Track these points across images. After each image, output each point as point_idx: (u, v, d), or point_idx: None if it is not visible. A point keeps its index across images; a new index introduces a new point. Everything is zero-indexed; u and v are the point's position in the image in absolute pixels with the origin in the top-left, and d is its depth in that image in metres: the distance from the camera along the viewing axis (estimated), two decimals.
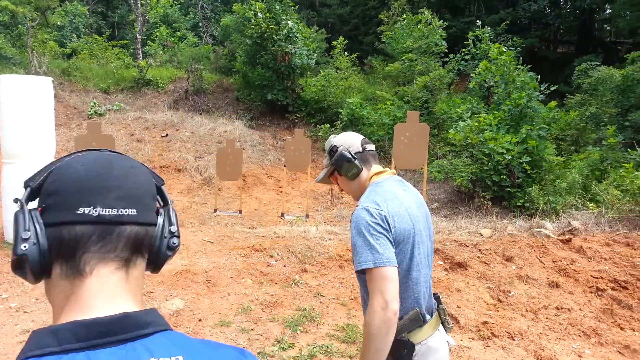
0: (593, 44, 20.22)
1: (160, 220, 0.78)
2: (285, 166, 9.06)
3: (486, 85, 11.75)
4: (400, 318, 1.62)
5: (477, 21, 13.46)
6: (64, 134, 11.94)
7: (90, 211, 0.69)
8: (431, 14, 13.84)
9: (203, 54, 18.07)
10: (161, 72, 16.89)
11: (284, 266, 5.39)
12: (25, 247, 0.67)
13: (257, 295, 4.73)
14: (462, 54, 13.33)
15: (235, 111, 15.61)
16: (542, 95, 9.83)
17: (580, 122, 11.17)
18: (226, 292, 4.74)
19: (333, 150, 1.87)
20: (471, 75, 12.47)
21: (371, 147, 1.89)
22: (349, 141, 1.87)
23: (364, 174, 1.83)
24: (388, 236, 1.60)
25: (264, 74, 14.94)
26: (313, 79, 15.58)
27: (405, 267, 1.65)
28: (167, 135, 12.81)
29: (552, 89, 10.11)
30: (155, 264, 0.79)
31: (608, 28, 22.58)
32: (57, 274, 0.70)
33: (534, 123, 9.15)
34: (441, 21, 13.71)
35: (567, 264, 5.02)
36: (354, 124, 13.05)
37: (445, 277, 4.85)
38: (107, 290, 0.70)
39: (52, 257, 0.70)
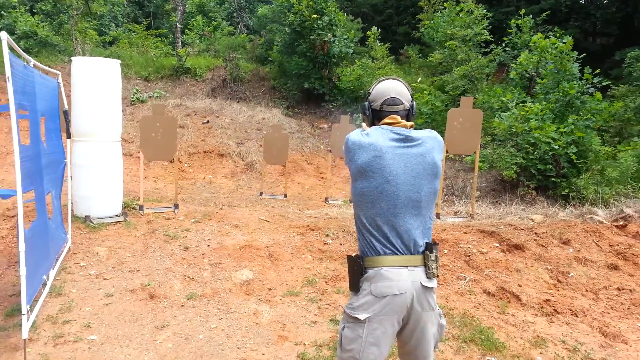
0: (635, 35, 19.71)
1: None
2: (330, 151, 9.22)
3: (527, 75, 11.64)
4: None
5: (520, 10, 13.30)
6: None
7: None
8: (474, 3, 13.72)
9: (239, 43, 18.30)
10: (199, 61, 17.19)
11: (341, 244, 5.55)
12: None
13: (318, 270, 4.91)
14: (504, 44, 13.21)
15: (272, 99, 15.83)
16: (592, 88, 9.75)
17: (625, 113, 11.01)
18: (289, 266, 4.94)
19: (365, 96, 2.09)
20: (511, 65, 12.34)
21: (392, 108, 1.96)
22: (377, 95, 2.01)
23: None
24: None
25: (301, 62, 15.08)
26: (349, 69, 15.66)
27: (371, 200, 1.89)
28: (208, 121, 13.10)
29: (604, 83, 9.99)
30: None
31: None
32: None
33: (580, 114, 9.08)
34: (484, 11, 13.59)
35: (625, 248, 5.06)
36: None
37: (503, 258, 4.95)
38: None
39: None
